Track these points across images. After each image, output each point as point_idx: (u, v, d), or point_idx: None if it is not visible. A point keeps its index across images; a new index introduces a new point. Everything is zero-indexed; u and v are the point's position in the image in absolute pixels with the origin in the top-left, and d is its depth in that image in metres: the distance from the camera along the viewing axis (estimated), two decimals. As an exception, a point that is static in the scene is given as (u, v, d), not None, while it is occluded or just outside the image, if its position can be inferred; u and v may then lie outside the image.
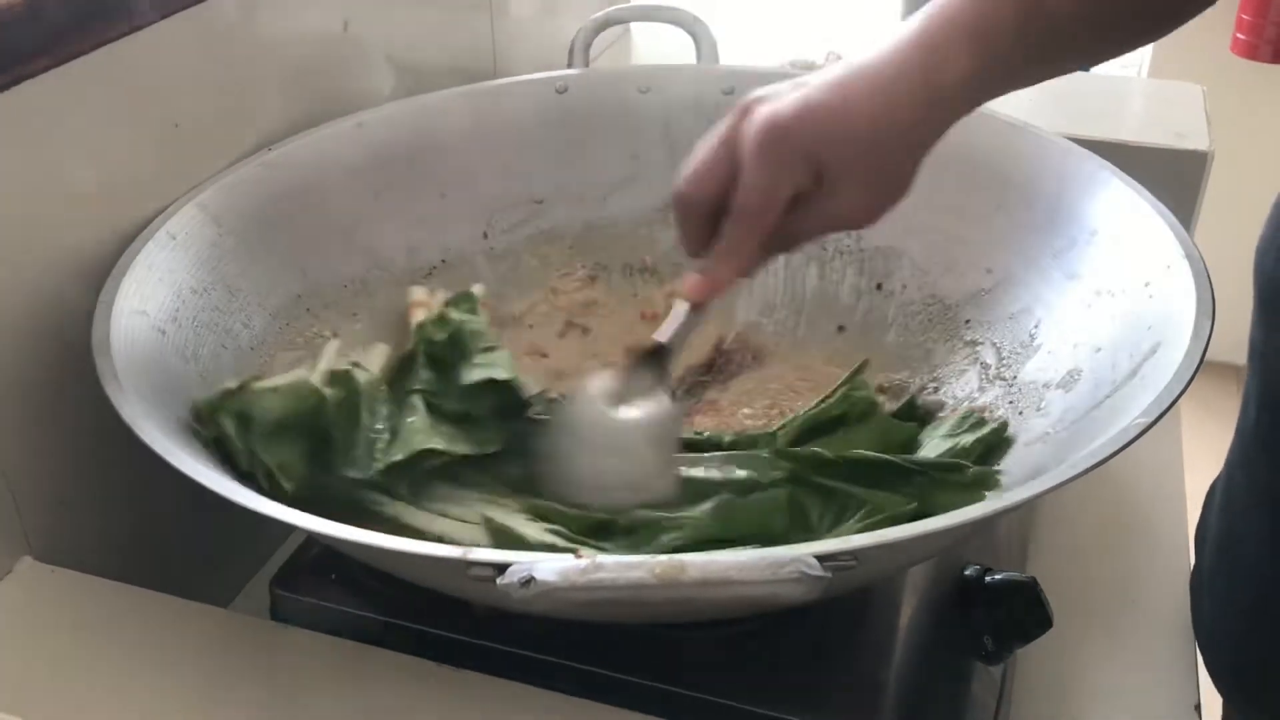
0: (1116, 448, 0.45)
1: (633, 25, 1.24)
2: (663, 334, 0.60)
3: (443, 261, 0.78)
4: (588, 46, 0.86)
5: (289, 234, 0.71)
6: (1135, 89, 1.34)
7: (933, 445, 0.63)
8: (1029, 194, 0.70)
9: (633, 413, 0.58)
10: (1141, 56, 2.14)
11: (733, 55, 0.87)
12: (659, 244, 0.83)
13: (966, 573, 0.64)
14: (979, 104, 0.55)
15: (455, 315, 0.68)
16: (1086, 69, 0.59)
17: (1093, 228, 0.65)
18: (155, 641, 0.54)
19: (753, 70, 0.85)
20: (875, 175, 0.55)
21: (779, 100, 0.55)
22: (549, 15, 1.10)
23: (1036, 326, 0.66)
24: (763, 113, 0.54)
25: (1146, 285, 0.59)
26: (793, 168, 0.54)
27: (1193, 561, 0.75)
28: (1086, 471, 0.45)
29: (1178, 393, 0.48)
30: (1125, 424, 0.47)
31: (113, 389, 0.51)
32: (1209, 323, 0.52)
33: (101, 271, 0.60)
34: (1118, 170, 0.66)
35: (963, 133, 0.74)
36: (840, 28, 1.58)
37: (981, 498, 0.56)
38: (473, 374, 0.63)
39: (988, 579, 0.63)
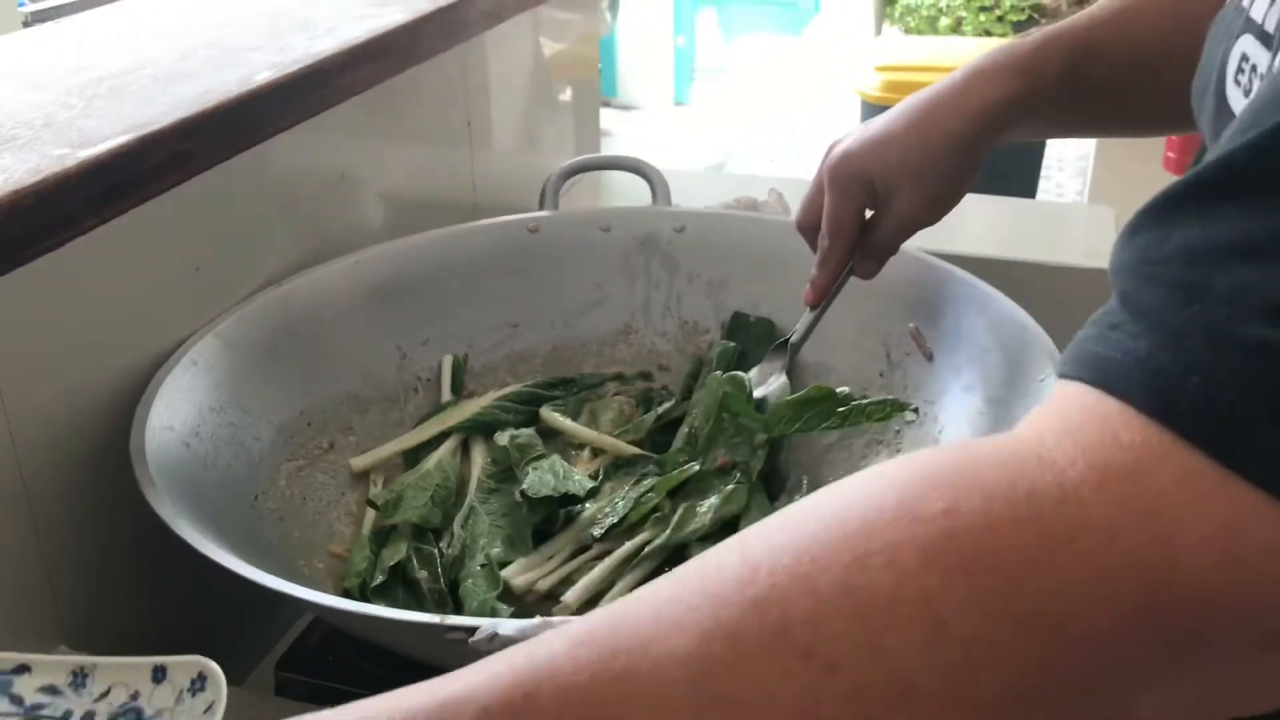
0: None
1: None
2: (792, 334, 0.81)
3: (427, 379, 0.88)
4: (557, 190, 0.97)
5: (294, 358, 0.80)
6: (1064, 213, 1.47)
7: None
8: (935, 317, 0.81)
9: (763, 390, 0.80)
10: (1082, 181, 2.28)
11: (682, 197, 0.98)
12: (620, 361, 0.93)
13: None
14: (1018, 125, 0.67)
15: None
16: (1136, 134, 0.76)
17: (984, 345, 0.75)
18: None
19: (700, 211, 0.97)
20: (921, 182, 0.68)
21: (848, 137, 0.70)
22: (523, 154, 1.21)
23: (940, 432, 0.76)
24: (834, 150, 0.70)
25: (1024, 397, 0.69)
26: (851, 189, 0.69)
27: None
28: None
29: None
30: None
31: (150, 492, 0.60)
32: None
33: (134, 393, 0.69)
34: (1002, 295, 0.76)
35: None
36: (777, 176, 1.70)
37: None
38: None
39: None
